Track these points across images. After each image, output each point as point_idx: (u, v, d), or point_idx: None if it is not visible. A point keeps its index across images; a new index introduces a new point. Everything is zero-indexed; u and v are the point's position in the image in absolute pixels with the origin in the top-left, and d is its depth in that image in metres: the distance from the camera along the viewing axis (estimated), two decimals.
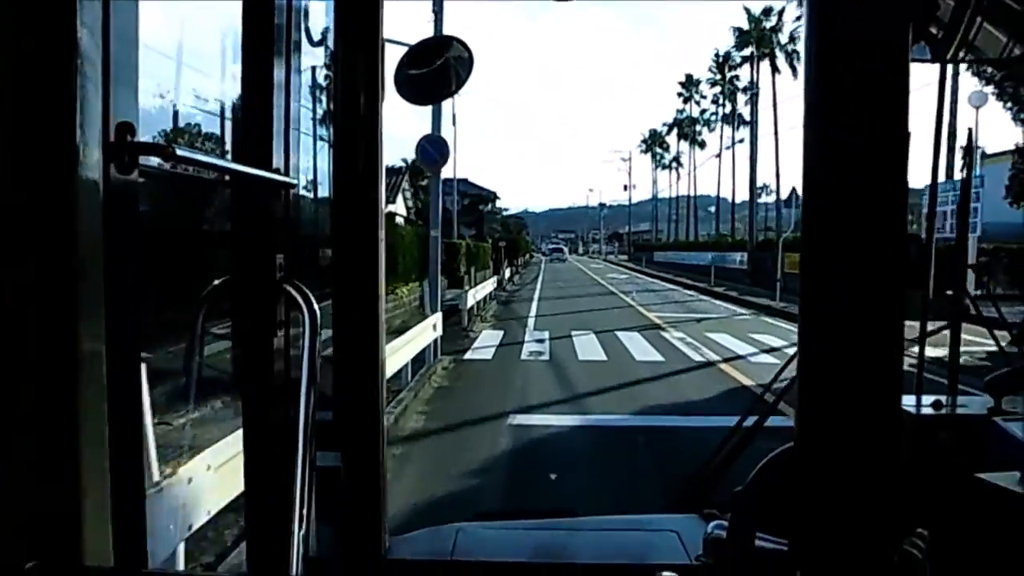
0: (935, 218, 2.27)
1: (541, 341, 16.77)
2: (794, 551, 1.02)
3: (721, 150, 75.18)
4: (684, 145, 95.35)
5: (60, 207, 0.87)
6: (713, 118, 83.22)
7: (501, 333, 18.53)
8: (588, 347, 15.90)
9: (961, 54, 2.12)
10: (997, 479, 1.42)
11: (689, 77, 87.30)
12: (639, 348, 15.74)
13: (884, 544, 1.08)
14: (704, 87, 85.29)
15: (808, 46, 1.01)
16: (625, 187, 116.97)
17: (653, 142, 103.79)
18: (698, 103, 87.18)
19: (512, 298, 31.83)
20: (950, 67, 2.16)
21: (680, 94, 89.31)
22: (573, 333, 18.13)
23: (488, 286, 27.12)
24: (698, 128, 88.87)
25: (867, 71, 0.93)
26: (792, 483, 1.01)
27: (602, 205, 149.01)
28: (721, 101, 76.89)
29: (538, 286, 40.67)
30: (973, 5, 1.96)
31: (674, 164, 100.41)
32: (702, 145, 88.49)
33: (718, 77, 76.36)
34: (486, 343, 16.45)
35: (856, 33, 0.93)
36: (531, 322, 21.49)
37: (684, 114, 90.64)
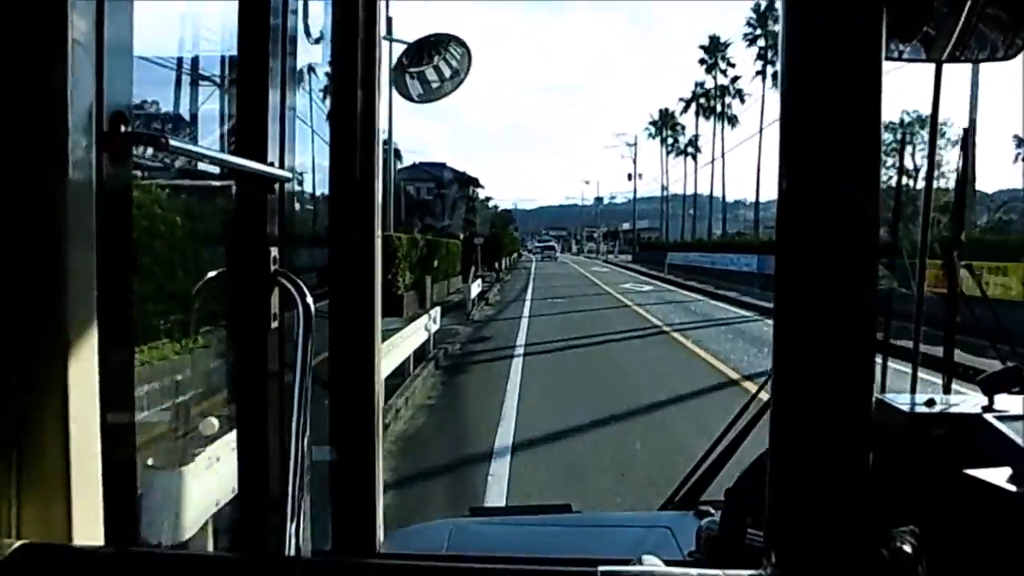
0: (929, 219, 2.28)
1: None
2: (769, 543, 1.03)
3: (762, 125, 60.92)
4: (704, 127, 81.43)
5: (52, 195, 0.87)
6: (747, 86, 68.42)
7: None
8: None
9: (957, 53, 2.13)
10: (987, 475, 1.42)
11: (714, 40, 72.52)
12: None
13: (870, 539, 1.08)
14: (735, 50, 70.57)
15: (783, 47, 1.02)
16: (629, 176, 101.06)
17: (664, 123, 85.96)
18: (724, 72, 72.76)
19: (474, 345, 17.47)
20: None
21: (702, 61, 73.29)
22: None
23: (415, 335, 12.85)
24: (727, 100, 73.05)
25: (841, 67, 0.95)
26: (768, 483, 1.02)
27: (599, 200, 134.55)
28: (769, 57, 61.98)
29: (525, 309, 26.03)
30: (969, 3, 1.96)
31: (690, 149, 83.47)
32: (732, 121, 72.98)
33: (758, 32, 62.94)
34: None
35: (830, 30, 0.95)
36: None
37: (706, 87, 74.52)
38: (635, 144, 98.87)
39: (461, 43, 2.85)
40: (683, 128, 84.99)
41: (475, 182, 61.65)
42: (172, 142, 1.02)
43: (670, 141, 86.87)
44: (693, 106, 77.52)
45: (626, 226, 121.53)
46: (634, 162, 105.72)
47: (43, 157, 0.87)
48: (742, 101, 72.00)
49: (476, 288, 26.90)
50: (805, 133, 0.95)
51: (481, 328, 21.46)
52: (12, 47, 0.87)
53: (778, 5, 1.05)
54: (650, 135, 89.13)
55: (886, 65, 1.30)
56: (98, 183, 0.91)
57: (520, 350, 16.57)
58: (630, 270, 59.03)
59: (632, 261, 76.80)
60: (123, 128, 0.95)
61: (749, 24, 63.62)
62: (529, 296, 32.45)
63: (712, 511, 2.10)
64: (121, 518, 0.98)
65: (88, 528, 0.89)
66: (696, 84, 77.51)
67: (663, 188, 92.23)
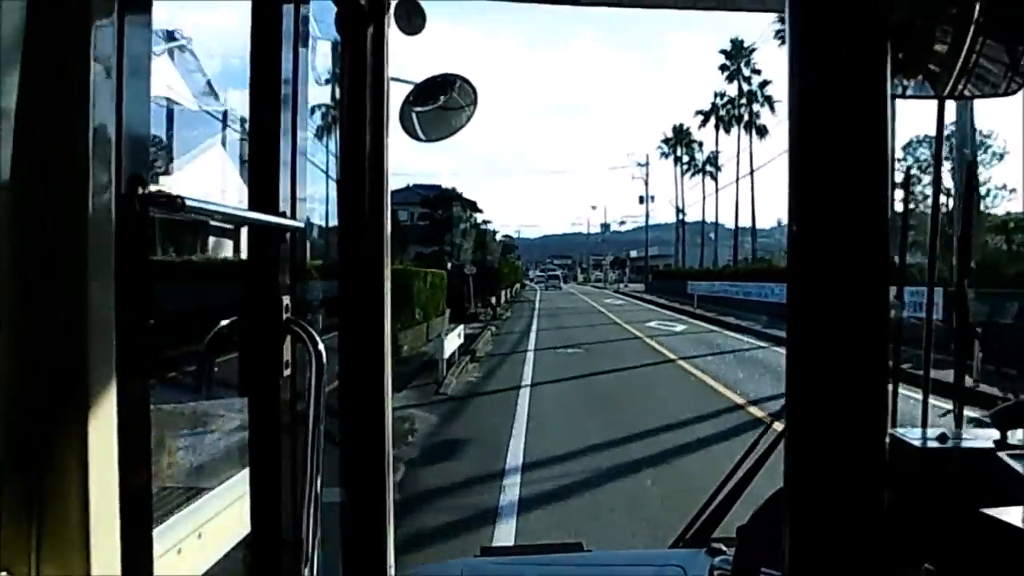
0: (936, 251, 2.28)
1: None
2: None
3: None
4: (726, 142, 73.89)
5: (69, 260, 0.88)
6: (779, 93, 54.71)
7: None
8: None
9: (960, 89, 2.14)
10: (1002, 515, 1.41)
11: (737, 44, 64.16)
12: None
13: None
14: (763, 54, 61.47)
15: (790, 79, 1.04)
16: (641, 199, 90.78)
17: (678, 140, 77.08)
18: (748, 79, 64.84)
19: (428, 471, 9.02)
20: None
21: (723, 67, 65.50)
22: None
23: None
24: (755, 108, 64.55)
25: (848, 103, 0.96)
26: (785, 519, 1.02)
27: (605, 226, 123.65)
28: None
29: (527, 369, 17.85)
30: (970, 39, 1.98)
31: (709, 167, 74.26)
32: (762, 132, 64.18)
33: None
34: None
35: (836, 63, 0.97)
36: None
37: (728, 96, 66.28)
38: (647, 164, 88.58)
39: (467, 82, 2.88)
40: (700, 144, 75.84)
41: (473, 205, 51.84)
42: (188, 202, 1.03)
43: (686, 159, 77.62)
44: (713, 120, 68.77)
45: (634, 253, 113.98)
46: (646, 183, 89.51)
47: (60, 222, 0.88)
48: (772, 110, 63.40)
49: (456, 340, 18.13)
50: (814, 168, 0.96)
51: (456, 413, 12.93)
52: (29, 110, 0.88)
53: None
54: (663, 154, 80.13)
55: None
56: (117, 246, 0.92)
57: (515, 482, 8.64)
58: (648, 302, 49.98)
59: (646, 291, 68.47)
60: (140, 190, 0.97)
61: (781, 20, 57.20)
62: (532, 344, 23.14)
63: (724, 549, 2.09)
64: (138, 560, 0.98)
65: (105, 556, 0.90)
66: (716, 95, 68.34)
67: (678, 211, 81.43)
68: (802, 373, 0.99)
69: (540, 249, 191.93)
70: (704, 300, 41.01)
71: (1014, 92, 2.13)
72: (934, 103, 2.17)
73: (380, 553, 2.07)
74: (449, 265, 29.22)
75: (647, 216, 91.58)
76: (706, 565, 1.91)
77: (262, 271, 1.54)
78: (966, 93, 2.14)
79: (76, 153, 0.89)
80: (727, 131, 68.20)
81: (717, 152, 73.50)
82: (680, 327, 29.85)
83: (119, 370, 0.92)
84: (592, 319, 35.34)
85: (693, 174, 76.57)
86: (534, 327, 29.19)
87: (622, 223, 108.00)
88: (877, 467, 1.01)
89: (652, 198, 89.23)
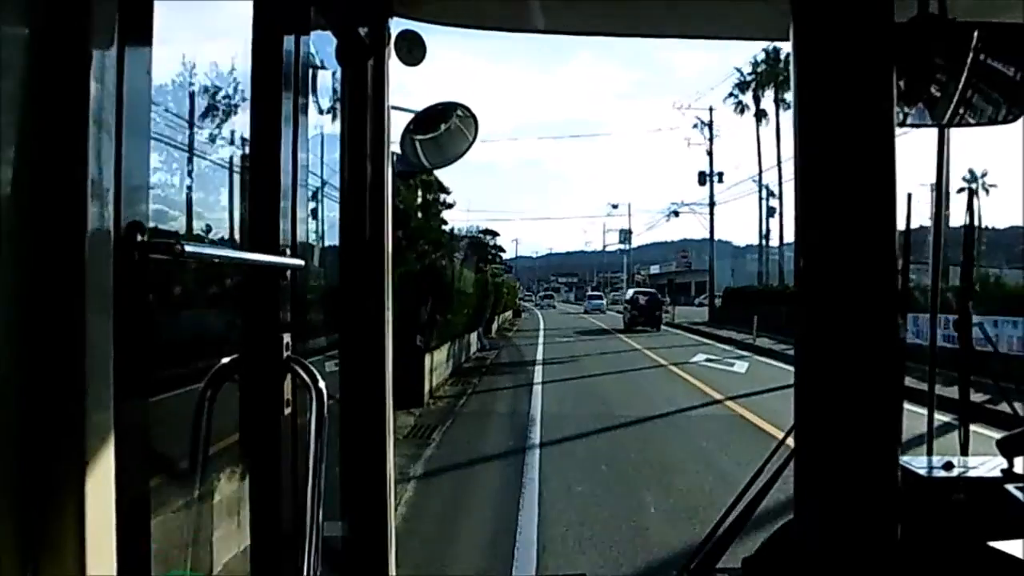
0: (939, 279, 2.27)
1: None
2: None
3: None
4: None
5: (68, 307, 0.88)
6: None
7: None
8: None
9: (960, 115, 2.14)
10: (1010, 548, 1.40)
11: None
12: None
13: None
14: None
15: (796, 107, 1.04)
16: (702, 178, 55.79)
17: (766, 79, 51.64)
18: None
19: None
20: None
21: None
22: None
23: None
24: None
25: (854, 130, 0.96)
26: (796, 548, 1.01)
27: (626, 233, 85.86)
28: None
29: None
30: (969, 67, 1.99)
31: None
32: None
33: None
34: None
35: (843, 96, 0.97)
36: None
37: None
38: (711, 123, 55.88)
39: (467, 109, 2.89)
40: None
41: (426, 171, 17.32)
42: (187, 248, 1.03)
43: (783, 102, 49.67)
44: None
45: (655, 269, 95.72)
46: (709, 153, 55.91)
47: (58, 269, 0.88)
48: None
49: None
50: (822, 194, 0.96)
51: None
52: (27, 155, 0.88)
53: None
54: (739, 106, 53.36)
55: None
56: (115, 293, 0.92)
57: None
58: None
59: (712, 322, 43.43)
60: (139, 238, 0.97)
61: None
62: None
63: None
64: (134, 548, 0.96)
65: (101, 562, 0.88)
66: None
67: (764, 192, 53.72)
68: (811, 402, 0.98)
69: (544, 268, 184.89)
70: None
71: (1016, 118, 2.13)
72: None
73: None
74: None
75: (711, 201, 55.89)
76: None
77: (261, 309, 1.53)
78: (968, 121, 2.14)
79: (75, 201, 0.88)
80: None
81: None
82: None
83: (117, 418, 0.91)
84: None
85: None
86: None
87: (672, 214, 65.52)
88: (889, 502, 1.00)
89: (719, 176, 55.95)
